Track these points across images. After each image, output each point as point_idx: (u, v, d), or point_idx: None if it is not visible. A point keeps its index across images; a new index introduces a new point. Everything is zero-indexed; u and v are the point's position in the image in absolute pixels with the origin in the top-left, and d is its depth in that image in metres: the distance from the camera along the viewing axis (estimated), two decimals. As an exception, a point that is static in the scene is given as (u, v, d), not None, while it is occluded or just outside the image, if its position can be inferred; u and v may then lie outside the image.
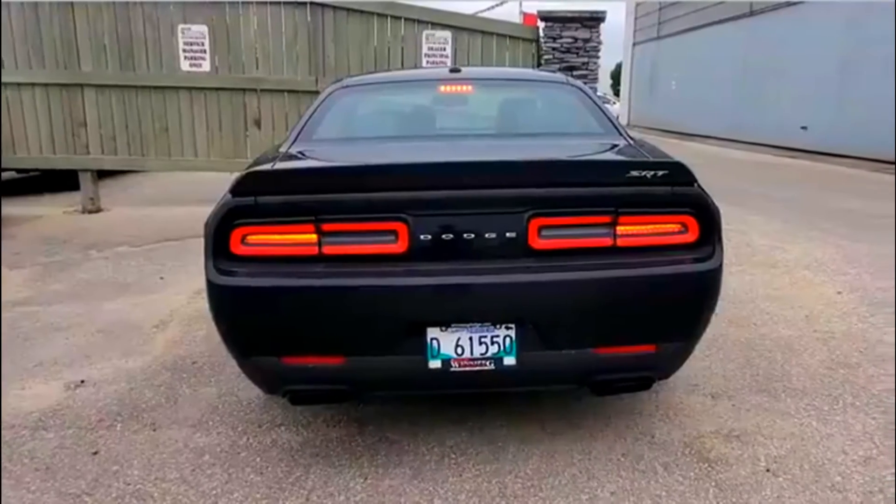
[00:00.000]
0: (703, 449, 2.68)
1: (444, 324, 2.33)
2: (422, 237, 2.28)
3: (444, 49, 7.74)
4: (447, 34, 7.71)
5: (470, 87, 3.51)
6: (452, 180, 2.30)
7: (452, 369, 2.34)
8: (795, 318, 4.13)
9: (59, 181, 8.98)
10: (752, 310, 4.28)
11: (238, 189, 2.28)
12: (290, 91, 7.85)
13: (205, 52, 7.72)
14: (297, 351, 2.38)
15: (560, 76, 3.83)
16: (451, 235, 2.28)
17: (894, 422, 2.87)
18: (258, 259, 2.32)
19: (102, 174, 8.55)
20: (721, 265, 2.39)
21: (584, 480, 2.48)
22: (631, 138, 3.05)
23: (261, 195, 2.27)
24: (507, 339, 2.35)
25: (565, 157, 2.71)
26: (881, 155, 12.70)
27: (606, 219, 2.32)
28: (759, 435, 2.79)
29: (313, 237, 2.29)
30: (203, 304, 4.55)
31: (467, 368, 2.34)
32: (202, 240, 2.34)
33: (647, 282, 2.32)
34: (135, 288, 5.00)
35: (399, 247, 2.29)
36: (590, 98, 3.41)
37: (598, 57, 7.72)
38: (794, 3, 16.21)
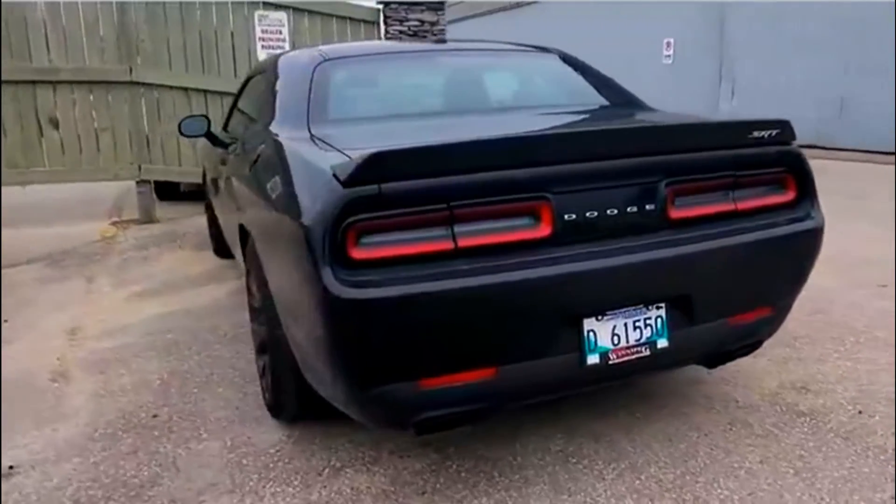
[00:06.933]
0: (793, 404, 2.70)
1: (600, 312, 2.06)
2: (566, 217, 1.97)
3: (281, 32, 7.07)
4: (282, 15, 7.05)
5: (476, 59, 3.17)
6: (593, 151, 2.03)
7: (611, 362, 2.07)
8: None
9: None
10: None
11: (355, 176, 1.77)
12: (96, 82, 6.60)
13: (-29, 37, 6.16)
14: (440, 370, 1.93)
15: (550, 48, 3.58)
16: (595, 213, 2.01)
17: None
18: (383, 262, 1.83)
19: None
20: (824, 219, 2.41)
21: (722, 456, 2.36)
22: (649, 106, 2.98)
23: (385, 182, 1.79)
24: (659, 320, 2.14)
25: (692, 122, 2.55)
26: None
27: (729, 182, 2.23)
28: (829, 383, 2.87)
29: (446, 228, 1.87)
30: (99, 345, 3.64)
31: (625, 358, 2.09)
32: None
33: (770, 243, 2.25)
34: (-26, 337, 3.80)
35: (543, 230, 1.96)
36: (593, 70, 3.28)
37: (445, 41, 7.60)
38: None
